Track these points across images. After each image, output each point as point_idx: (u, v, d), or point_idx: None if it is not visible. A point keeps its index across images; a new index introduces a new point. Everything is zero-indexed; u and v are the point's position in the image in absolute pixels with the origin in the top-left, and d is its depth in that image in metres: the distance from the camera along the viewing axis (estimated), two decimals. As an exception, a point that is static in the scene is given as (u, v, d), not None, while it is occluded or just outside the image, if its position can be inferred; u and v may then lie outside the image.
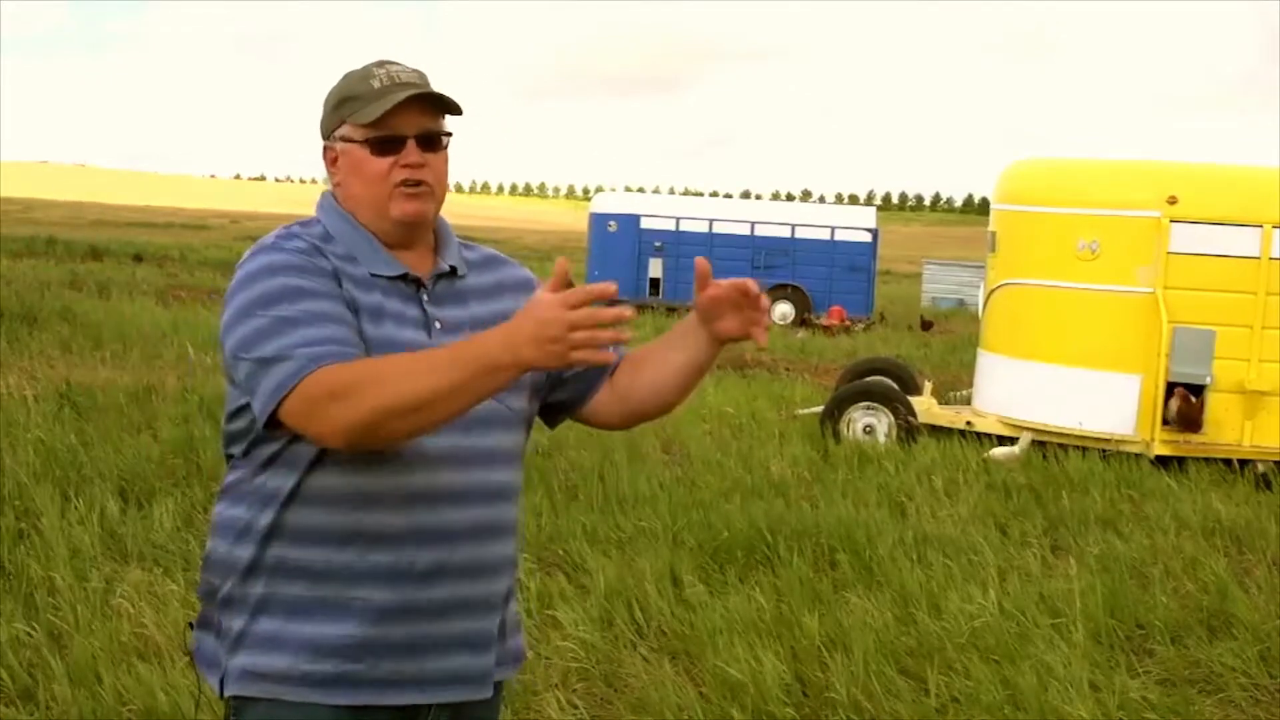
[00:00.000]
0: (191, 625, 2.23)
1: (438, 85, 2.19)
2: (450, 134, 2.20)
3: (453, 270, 2.21)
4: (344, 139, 2.15)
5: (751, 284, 2.10)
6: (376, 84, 2.12)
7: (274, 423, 2.00)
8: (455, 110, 2.18)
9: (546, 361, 1.87)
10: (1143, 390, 10.10)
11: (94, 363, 12.04)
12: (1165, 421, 10.02)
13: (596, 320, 1.85)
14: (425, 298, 2.16)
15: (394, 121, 2.11)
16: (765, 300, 2.12)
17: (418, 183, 2.13)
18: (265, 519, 2.09)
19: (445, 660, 2.14)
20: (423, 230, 2.19)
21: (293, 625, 2.08)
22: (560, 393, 2.33)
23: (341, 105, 2.15)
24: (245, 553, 2.11)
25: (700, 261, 2.13)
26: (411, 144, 2.12)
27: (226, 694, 2.13)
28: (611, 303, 1.91)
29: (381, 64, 2.17)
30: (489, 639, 2.20)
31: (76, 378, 10.52)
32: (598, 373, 2.31)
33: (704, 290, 2.13)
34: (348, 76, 2.18)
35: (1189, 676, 5.39)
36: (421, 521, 2.08)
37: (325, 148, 2.20)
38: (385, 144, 2.12)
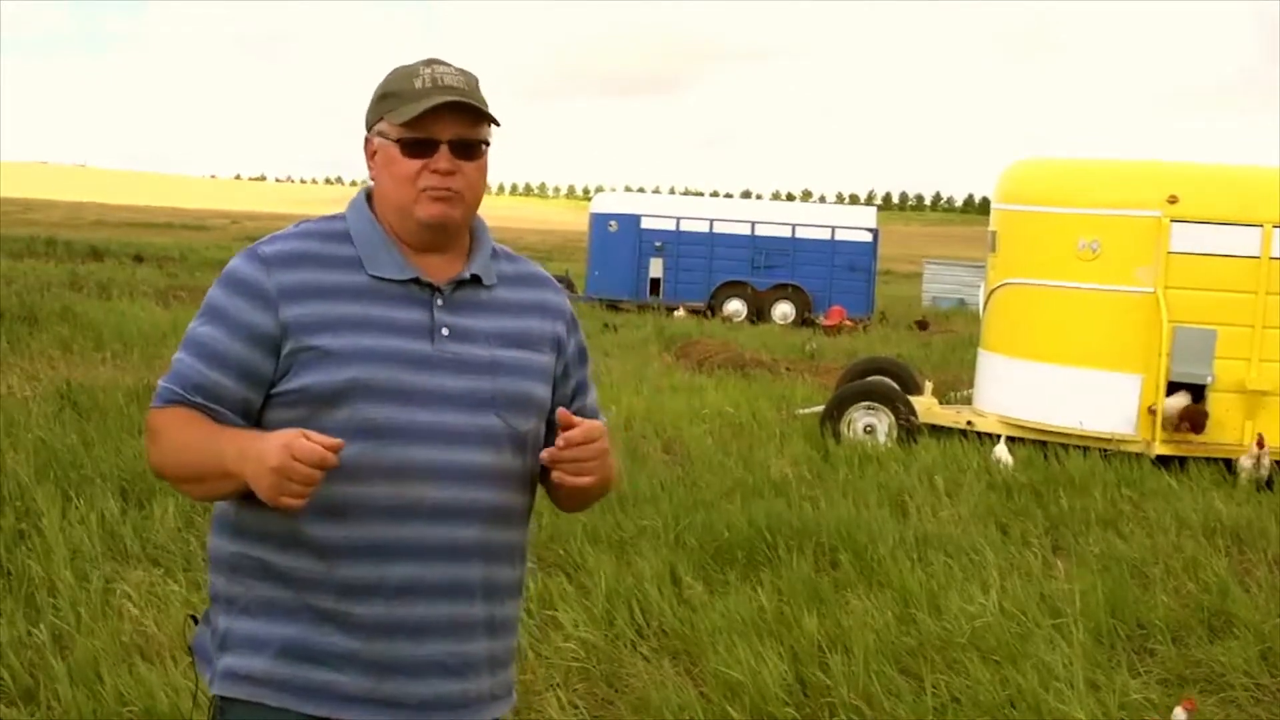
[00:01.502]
0: (194, 619, 2.23)
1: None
2: (488, 143, 2.16)
3: (475, 279, 2.18)
4: (381, 135, 2.14)
5: (575, 435, 2.08)
6: (419, 84, 2.10)
7: None
8: (488, 118, 2.14)
9: (280, 501, 1.93)
10: (1143, 390, 10.11)
11: (94, 363, 12.04)
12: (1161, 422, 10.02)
13: (310, 481, 1.93)
14: (439, 303, 2.13)
15: (429, 125, 2.09)
16: (588, 449, 2.08)
17: (445, 188, 2.11)
18: (248, 518, 2.09)
19: (418, 684, 2.09)
20: (449, 235, 2.16)
21: (274, 628, 2.07)
22: (550, 435, 2.27)
23: (383, 100, 2.14)
24: (230, 548, 2.13)
25: (562, 414, 2.10)
26: (444, 149, 2.10)
27: (212, 692, 2.14)
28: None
29: (429, 63, 2.14)
30: (471, 664, 2.14)
31: (77, 378, 10.53)
32: None
33: (562, 431, 2.09)
34: (396, 71, 2.16)
35: (1190, 676, 5.39)
36: (393, 536, 2.06)
37: (366, 139, 2.18)
38: (417, 146, 2.10)
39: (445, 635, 2.10)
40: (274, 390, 2.08)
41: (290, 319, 2.06)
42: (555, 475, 2.11)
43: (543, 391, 2.22)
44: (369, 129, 2.17)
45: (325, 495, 2.01)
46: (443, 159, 2.10)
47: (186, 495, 2.15)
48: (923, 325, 25.61)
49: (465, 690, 2.14)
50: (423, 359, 2.09)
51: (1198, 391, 10.08)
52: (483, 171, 2.16)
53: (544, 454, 2.12)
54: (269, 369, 2.07)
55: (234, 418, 2.08)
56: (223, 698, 2.11)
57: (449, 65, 2.15)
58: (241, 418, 2.08)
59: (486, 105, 2.14)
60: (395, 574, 2.06)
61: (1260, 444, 9.49)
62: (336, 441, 1.94)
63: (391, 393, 2.06)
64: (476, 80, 2.16)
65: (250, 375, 2.07)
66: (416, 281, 2.13)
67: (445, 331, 2.12)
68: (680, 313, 25.76)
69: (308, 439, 1.92)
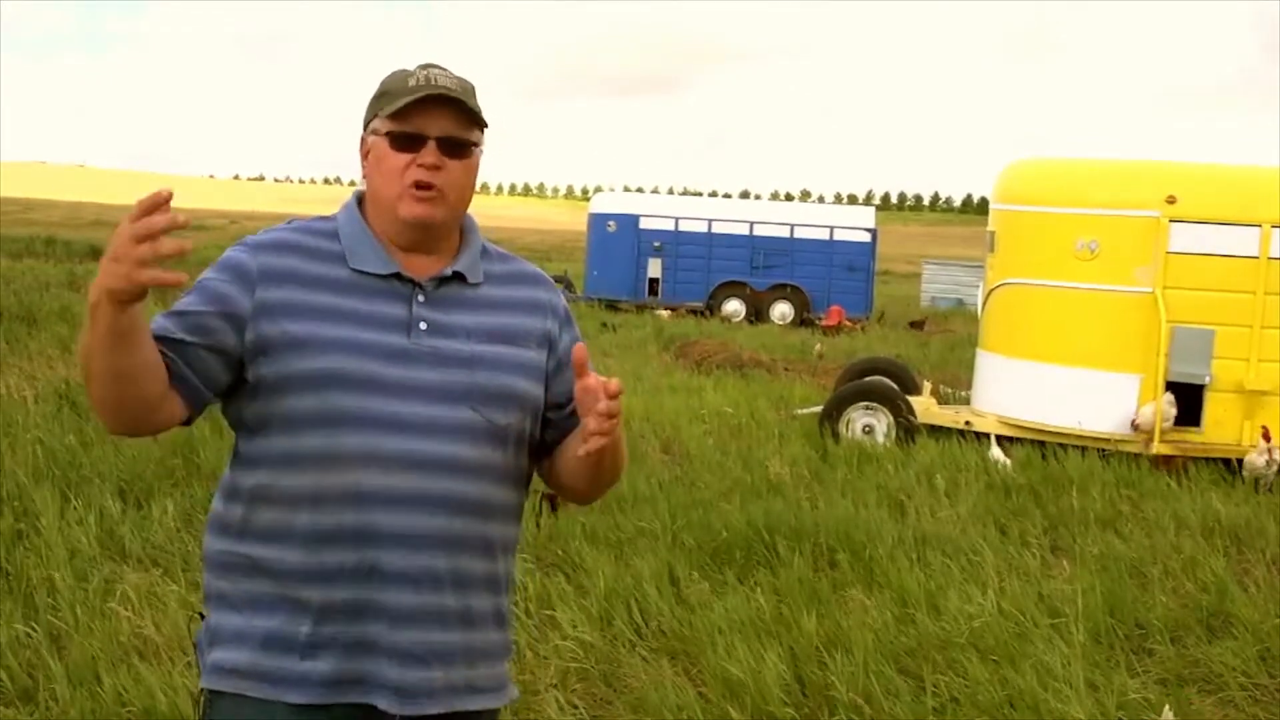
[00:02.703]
0: (201, 615, 2.25)
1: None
2: (477, 144, 2.19)
3: (459, 276, 2.20)
4: (374, 132, 2.18)
5: (611, 387, 2.04)
6: (412, 83, 2.14)
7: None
8: (478, 121, 2.17)
9: (116, 282, 1.81)
10: (1142, 390, 10.11)
11: (93, 363, 12.01)
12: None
13: (151, 229, 1.78)
14: (420, 299, 2.15)
15: (419, 120, 2.12)
16: (614, 406, 2.05)
17: (429, 186, 2.13)
18: (234, 514, 2.14)
19: (391, 670, 2.10)
20: (433, 235, 2.18)
21: (257, 621, 2.10)
22: (549, 432, 2.29)
23: (378, 100, 2.18)
24: (217, 545, 2.16)
25: (577, 349, 2.09)
26: (431, 145, 2.13)
27: (200, 686, 2.17)
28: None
29: (425, 66, 2.18)
30: (439, 653, 2.14)
31: (76, 378, 10.51)
32: (564, 430, 2.27)
33: (580, 379, 2.08)
34: (393, 73, 2.21)
35: (1188, 676, 5.39)
36: (369, 523, 2.07)
37: (361, 139, 2.22)
38: (406, 140, 2.13)
39: (413, 623, 2.11)
40: (245, 377, 2.10)
41: (265, 300, 2.09)
42: (590, 440, 2.06)
43: (527, 386, 2.22)
44: (365, 129, 2.21)
45: (299, 484, 2.07)
46: (430, 154, 2.13)
47: (102, 402, 2.01)
48: (916, 325, 25.59)
49: (432, 679, 2.13)
50: (398, 352, 2.11)
51: (1195, 391, 10.08)
52: (471, 172, 2.19)
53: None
54: (231, 342, 2.08)
55: (180, 364, 2.05)
56: (210, 691, 2.14)
57: (446, 70, 2.18)
58: (188, 368, 2.06)
59: (478, 108, 2.17)
60: (365, 560, 2.08)
61: (1266, 436, 9.38)
62: (164, 192, 1.81)
63: (363, 383, 2.08)
64: (473, 87, 2.19)
65: (207, 337, 2.07)
66: (398, 276, 2.15)
67: (423, 326, 2.14)
68: (663, 313, 25.53)
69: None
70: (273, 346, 2.08)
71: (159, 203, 1.79)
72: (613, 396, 2.03)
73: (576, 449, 2.12)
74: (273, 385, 2.08)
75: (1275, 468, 9.29)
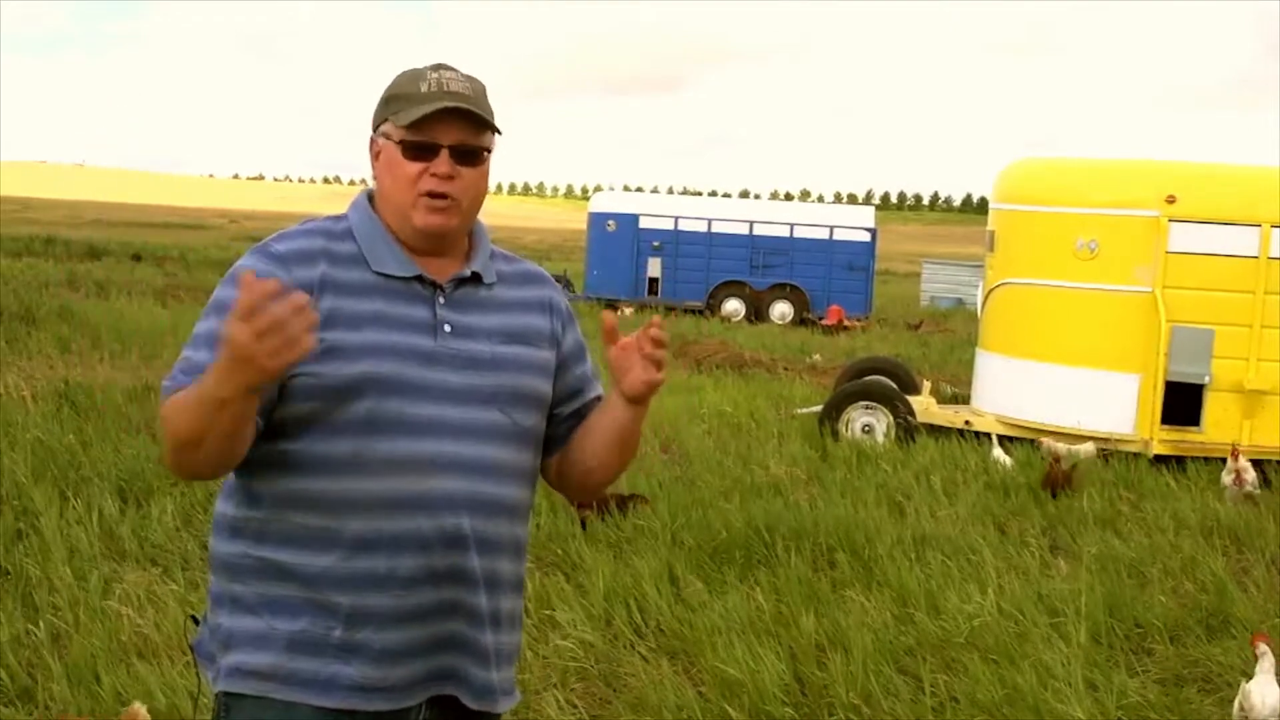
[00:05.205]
0: (195, 619, 2.23)
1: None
2: (489, 150, 2.18)
3: (476, 277, 2.20)
4: (385, 136, 2.16)
5: (655, 326, 2.12)
6: (424, 87, 2.12)
7: None
8: (491, 127, 2.16)
9: (259, 376, 1.84)
10: (1141, 389, 10.11)
11: (92, 362, 12.03)
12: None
13: (276, 321, 1.81)
14: (441, 301, 2.15)
15: (431, 128, 2.11)
16: (659, 335, 2.13)
17: (444, 195, 2.12)
18: (250, 517, 2.11)
19: (430, 660, 2.11)
20: (447, 241, 2.18)
21: (279, 624, 2.08)
22: (554, 428, 2.31)
23: (389, 103, 2.16)
24: (233, 549, 2.13)
25: (606, 316, 2.14)
26: (445, 154, 2.12)
27: (217, 689, 2.14)
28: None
29: (437, 68, 2.17)
30: (480, 649, 2.15)
31: (75, 377, 10.52)
32: (569, 426, 2.31)
33: (612, 343, 2.14)
34: (403, 74, 2.19)
35: (1188, 675, 5.40)
36: (406, 528, 2.06)
37: (371, 140, 2.21)
38: (419, 149, 2.12)
39: (457, 617, 2.11)
40: (284, 384, 2.07)
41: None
42: (648, 372, 2.13)
43: (544, 387, 2.24)
44: (375, 130, 2.19)
45: (331, 488, 2.05)
46: (443, 163, 2.12)
47: (192, 467, 2.02)
48: (913, 327, 25.58)
49: (470, 680, 2.14)
50: (427, 354, 2.11)
51: (1195, 391, 10.08)
52: (483, 178, 2.19)
53: (644, 331, 2.13)
54: None
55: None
56: (228, 694, 2.11)
57: (456, 71, 2.17)
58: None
59: (491, 114, 2.16)
60: (401, 565, 2.06)
61: (1235, 455, 8.91)
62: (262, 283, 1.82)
63: (397, 387, 2.07)
64: (484, 88, 2.18)
65: None
66: (419, 279, 2.15)
67: (448, 328, 2.14)
68: (628, 311, 25.29)
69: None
70: (311, 355, 2.01)
71: (267, 294, 1.80)
72: (654, 326, 2.11)
73: (603, 421, 2.23)
74: (304, 391, 2.05)
75: (1245, 486, 8.70)
